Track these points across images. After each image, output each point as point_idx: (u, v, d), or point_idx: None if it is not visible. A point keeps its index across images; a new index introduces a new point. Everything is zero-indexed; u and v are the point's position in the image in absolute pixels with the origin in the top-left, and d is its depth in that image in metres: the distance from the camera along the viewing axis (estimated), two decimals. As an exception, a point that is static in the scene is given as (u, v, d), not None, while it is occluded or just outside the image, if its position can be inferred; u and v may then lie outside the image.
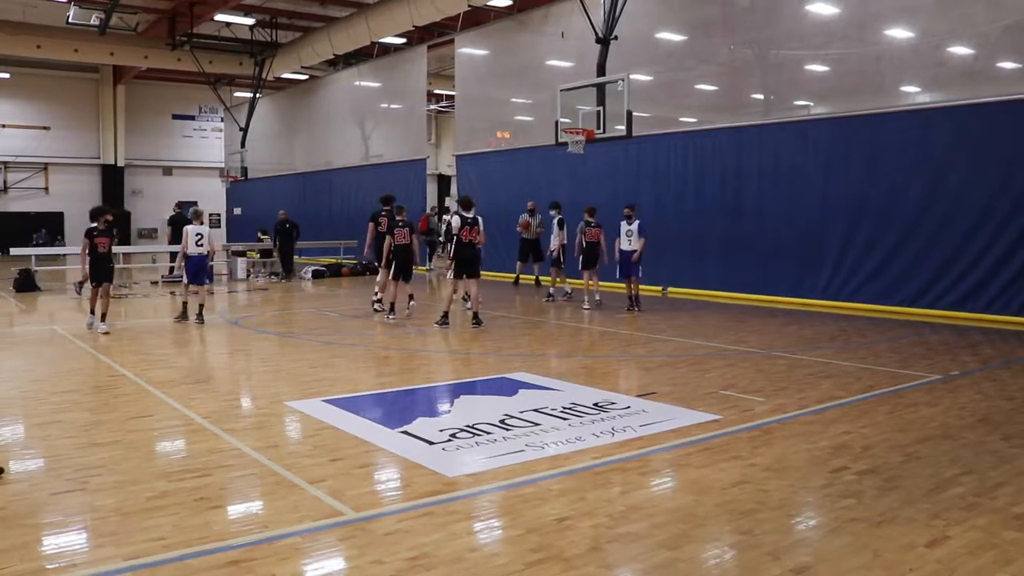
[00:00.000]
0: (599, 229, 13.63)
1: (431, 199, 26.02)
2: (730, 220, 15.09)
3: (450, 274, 12.02)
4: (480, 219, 11.48)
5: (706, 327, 11.50)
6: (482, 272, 13.37)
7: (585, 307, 13.56)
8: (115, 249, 23.88)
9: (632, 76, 14.37)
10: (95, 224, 11.00)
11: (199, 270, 12.12)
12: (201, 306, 12.16)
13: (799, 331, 11.13)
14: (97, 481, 4.74)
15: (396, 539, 3.88)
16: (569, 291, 15.13)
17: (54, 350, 9.77)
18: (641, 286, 14.14)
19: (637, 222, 13.05)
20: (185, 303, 12.29)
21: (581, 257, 13.68)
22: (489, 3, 19.34)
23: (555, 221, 15.53)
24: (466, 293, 12.95)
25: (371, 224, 13.01)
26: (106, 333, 10.72)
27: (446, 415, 6.42)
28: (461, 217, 11.35)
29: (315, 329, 11.63)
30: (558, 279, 15.53)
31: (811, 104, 15.10)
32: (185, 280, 12.20)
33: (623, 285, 13.59)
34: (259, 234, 24.01)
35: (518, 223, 16.87)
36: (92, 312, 11.17)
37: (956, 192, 12.03)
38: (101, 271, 10.96)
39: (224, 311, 13.95)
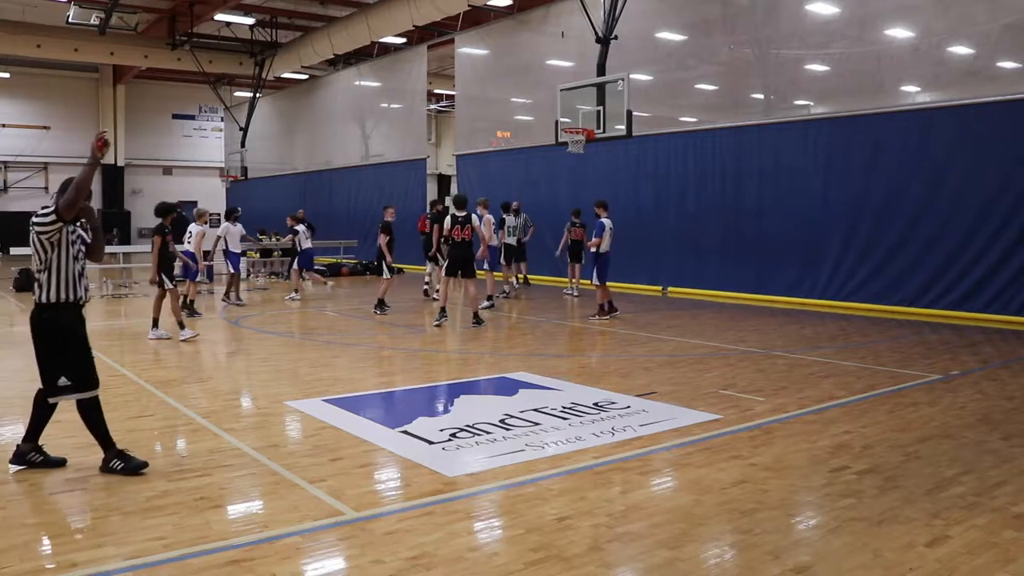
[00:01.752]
0: (583, 228, 14.77)
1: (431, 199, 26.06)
2: (730, 220, 15.10)
3: (443, 272, 12.21)
4: (475, 216, 11.69)
5: (706, 327, 11.50)
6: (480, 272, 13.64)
7: (569, 294, 15.52)
8: (115, 249, 24.05)
9: (632, 76, 14.37)
10: (163, 221, 10.58)
11: (184, 267, 12.56)
12: (188, 299, 12.62)
13: (799, 331, 11.13)
14: (97, 480, 4.74)
15: (396, 539, 3.88)
16: (507, 290, 15.54)
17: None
18: (641, 286, 14.14)
19: (599, 220, 12.16)
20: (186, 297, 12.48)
21: (568, 253, 15.26)
22: (489, 3, 19.33)
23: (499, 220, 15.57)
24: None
25: (436, 225, 13.92)
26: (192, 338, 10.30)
27: (446, 415, 6.42)
28: (452, 216, 11.62)
29: (315, 329, 11.63)
30: (507, 275, 15.91)
31: (811, 104, 15.10)
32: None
33: (622, 285, 13.67)
34: (259, 234, 24.00)
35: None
36: (157, 323, 10.42)
37: (956, 192, 12.03)
38: (172, 272, 10.65)
39: (224, 311, 13.95)
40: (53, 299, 4.72)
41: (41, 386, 4.88)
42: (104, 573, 3.53)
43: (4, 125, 33.36)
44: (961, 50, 12.95)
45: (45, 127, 34.07)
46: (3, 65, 31.27)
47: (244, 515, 4.36)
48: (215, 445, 5.51)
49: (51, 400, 4.83)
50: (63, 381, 4.73)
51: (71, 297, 4.78)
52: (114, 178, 35.49)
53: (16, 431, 6.05)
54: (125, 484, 4.67)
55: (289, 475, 4.83)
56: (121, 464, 4.81)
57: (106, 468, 4.83)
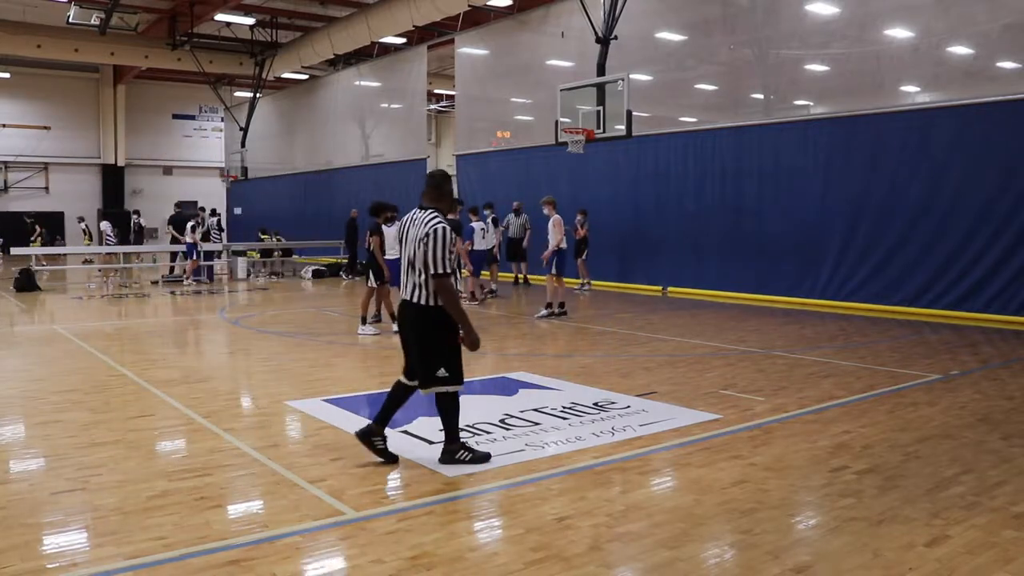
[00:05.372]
0: (584, 228, 15.90)
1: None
2: (730, 220, 15.09)
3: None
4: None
5: (706, 327, 11.50)
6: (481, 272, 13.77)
7: (580, 292, 16.07)
8: (115, 249, 24.04)
9: (632, 76, 14.38)
10: (378, 220, 10.87)
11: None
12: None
13: (799, 331, 11.13)
14: (97, 480, 4.74)
15: (396, 538, 3.89)
16: (495, 288, 15.57)
17: (54, 350, 9.76)
18: (641, 286, 14.13)
19: (470, 224, 13.88)
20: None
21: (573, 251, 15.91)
22: (489, 3, 19.33)
23: (489, 220, 15.51)
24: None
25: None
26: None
27: (446, 415, 6.41)
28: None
29: (315, 329, 11.63)
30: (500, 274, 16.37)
31: (811, 104, 15.10)
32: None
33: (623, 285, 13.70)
34: (259, 234, 24.04)
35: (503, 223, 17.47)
36: (365, 320, 11.01)
37: (956, 192, 12.03)
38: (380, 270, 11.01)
39: (224, 311, 13.95)
40: (435, 302, 5.00)
41: (406, 379, 5.15)
42: (104, 573, 3.53)
43: (4, 125, 33.36)
44: (961, 50, 12.95)
45: (45, 127, 34.07)
46: (3, 65, 31.27)
47: (244, 515, 4.36)
48: (215, 445, 5.51)
49: (425, 392, 5.04)
50: (442, 372, 4.97)
51: None
52: (114, 178, 35.51)
53: (16, 430, 6.06)
54: (125, 484, 4.67)
55: (289, 475, 4.83)
56: (468, 455, 5.02)
57: (451, 459, 5.01)
